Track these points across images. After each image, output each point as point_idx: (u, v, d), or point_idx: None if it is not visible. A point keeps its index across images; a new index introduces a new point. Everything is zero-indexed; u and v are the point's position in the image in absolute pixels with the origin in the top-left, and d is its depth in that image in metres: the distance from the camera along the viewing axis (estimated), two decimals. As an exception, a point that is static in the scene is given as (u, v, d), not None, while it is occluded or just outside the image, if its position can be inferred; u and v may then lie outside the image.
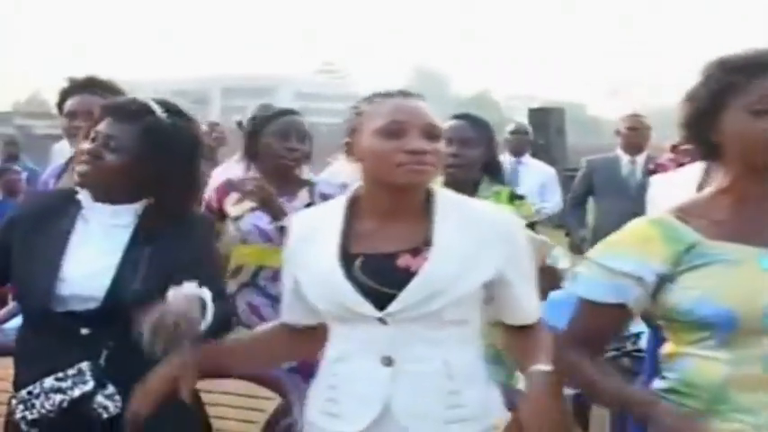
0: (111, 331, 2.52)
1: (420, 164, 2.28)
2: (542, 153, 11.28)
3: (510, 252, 2.37)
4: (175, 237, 2.62)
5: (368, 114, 2.36)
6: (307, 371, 3.23)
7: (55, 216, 2.67)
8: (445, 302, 2.29)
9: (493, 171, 3.97)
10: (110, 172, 2.59)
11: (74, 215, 2.66)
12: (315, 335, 2.53)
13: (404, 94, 2.39)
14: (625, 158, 7.04)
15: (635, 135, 7.02)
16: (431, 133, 2.32)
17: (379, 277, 2.31)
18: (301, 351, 2.74)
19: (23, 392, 2.54)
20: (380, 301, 2.29)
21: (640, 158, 7.00)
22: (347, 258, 2.34)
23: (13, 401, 2.57)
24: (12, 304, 4.54)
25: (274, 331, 2.63)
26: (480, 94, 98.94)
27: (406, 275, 2.29)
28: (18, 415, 2.54)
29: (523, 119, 12.64)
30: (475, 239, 2.32)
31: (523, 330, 2.49)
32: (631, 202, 5.84)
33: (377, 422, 2.32)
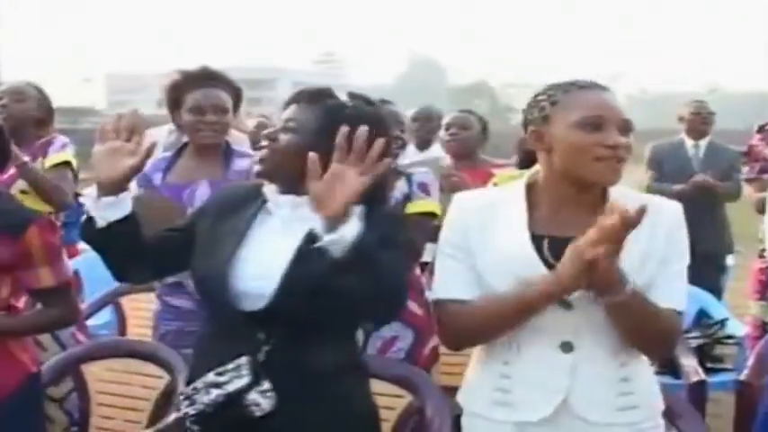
0: (275, 329, 2.42)
1: (617, 159, 2.28)
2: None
3: (675, 239, 2.38)
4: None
5: (564, 104, 2.33)
6: (423, 364, 3.54)
7: (239, 209, 2.56)
8: None
9: None
10: (284, 153, 2.44)
11: (257, 208, 2.54)
12: None
13: (600, 86, 2.38)
14: (689, 143, 7.16)
15: (699, 120, 7.15)
16: (626, 128, 2.32)
17: None
18: None
19: (189, 388, 2.48)
20: None
21: (703, 143, 7.15)
22: (536, 240, 2.34)
23: (180, 397, 2.52)
24: (96, 296, 4.83)
25: None
26: (476, 83, 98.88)
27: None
28: (182, 410, 2.48)
29: (519, 105, 12.91)
30: (650, 228, 2.29)
31: None
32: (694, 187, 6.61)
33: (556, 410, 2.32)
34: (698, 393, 3.96)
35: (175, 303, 3.65)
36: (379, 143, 2.20)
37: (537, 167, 2.44)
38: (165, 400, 3.22)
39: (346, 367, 2.52)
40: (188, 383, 2.50)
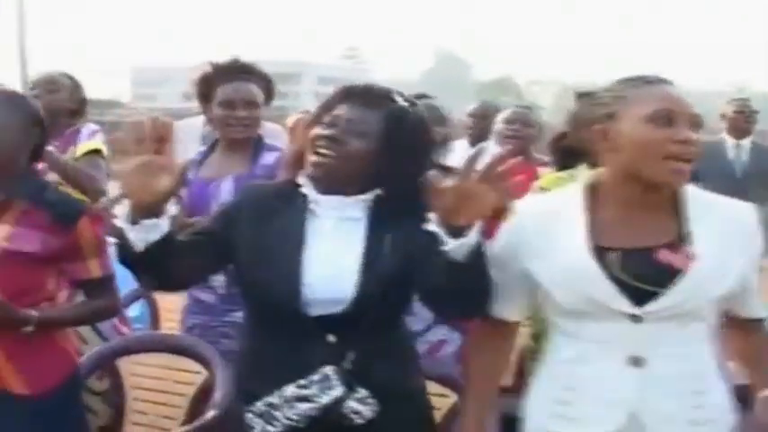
0: (358, 334, 2.37)
1: (687, 158, 2.21)
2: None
3: (752, 245, 2.32)
4: (411, 224, 2.33)
5: (633, 99, 2.24)
6: None
7: (281, 211, 2.48)
8: (705, 301, 2.23)
9: None
10: (354, 158, 2.39)
11: (301, 210, 2.47)
12: (513, 334, 2.53)
13: (667, 81, 2.29)
14: (731, 142, 6.98)
15: (742, 119, 7.00)
16: (696, 124, 2.25)
17: (638, 273, 2.21)
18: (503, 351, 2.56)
19: (260, 404, 2.41)
20: (637, 298, 2.20)
21: (746, 142, 6.98)
22: (599, 251, 2.24)
23: (249, 415, 2.45)
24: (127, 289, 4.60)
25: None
26: (501, 79, 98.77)
27: (670, 273, 2.20)
28: (257, 429, 2.42)
29: (545, 102, 12.85)
30: (727, 235, 2.25)
31: (750, 327, 2.44)
32: (736, 186, 5.73)
33: (622, 425, 2.26)
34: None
35: (202, 297, 3.63)
36: (511, 162, 2.14)
37: (584, 168, 2.39)
38: (203, 395, 3.18)
39: (413, 362, 2.58)
40: (246, 396, 2.45)
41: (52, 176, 4.35)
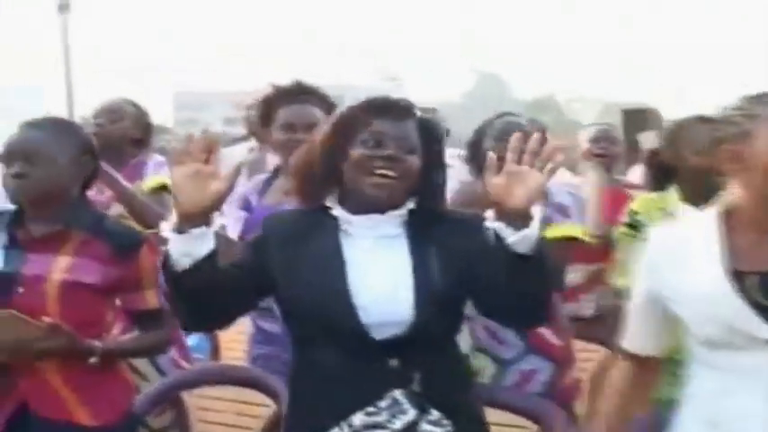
0: (420, 354, 2.31)
1: None
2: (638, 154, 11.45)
3: None
4: (450, 231, 2.37)
5: (767, 118, 2.16)
6: (564, 397, 3.35)
7: (312, 235, 2.43)
8: None
9: None
10: (412, 175, 2.37)
11: (334, 232, 2.42)
12: (653, 370, 2.45)
13: None
14: None
15: None
16: None
17: None
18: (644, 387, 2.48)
19: None
20: None
21: None
22: (737, 276, 2.15)
23: None
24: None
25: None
26: (542, 98, 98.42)
27: None
28: None
29: (586, 120, 12.61)
30: None
31: None
32: None
33: None
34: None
35: (266, 327, 3.50)
36: (552, 144, 2.20)
37: (675, 190, 2.31)
38: (272, 429, 3.09)
39: (471, 379, 2.60)
40: (311, 429, 2.36)
41: (117, 208, 4.27)
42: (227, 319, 2.55)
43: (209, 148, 2.26)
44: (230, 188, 2.26)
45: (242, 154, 6.17)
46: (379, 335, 2.31)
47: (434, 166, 2.44)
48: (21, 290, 2.77)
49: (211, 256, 2.25)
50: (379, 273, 2.35)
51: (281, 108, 3.63)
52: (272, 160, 4.59)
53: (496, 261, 2.19)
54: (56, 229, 2.83)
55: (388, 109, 2.42)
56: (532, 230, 2.16)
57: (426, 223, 2.40)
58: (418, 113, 2.47)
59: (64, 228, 2.83)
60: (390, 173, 2.34)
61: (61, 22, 26.40)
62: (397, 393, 2.29)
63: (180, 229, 2.22)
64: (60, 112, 23.91)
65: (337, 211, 2.42)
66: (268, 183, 3.72)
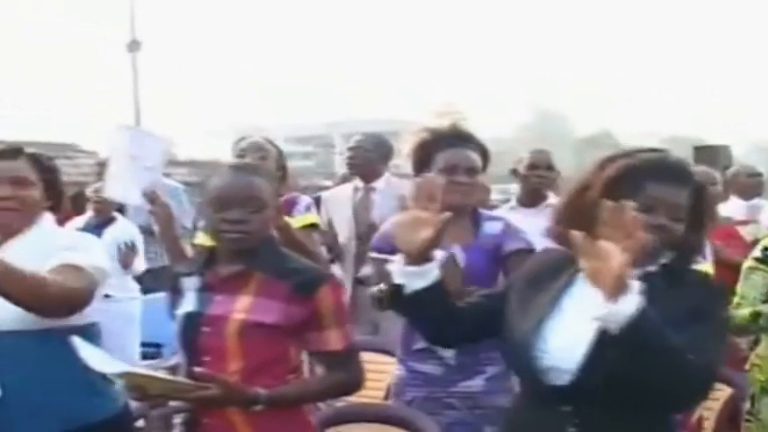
0: (582, 404, 2.34)
1: None
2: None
3: None
4: (671, 294, 2.33)
5: None
6: None
7: (552, 277, 2.49)
8: None
9: None
10: (670, 242, 2.41)
11: (569, 278, 2.46)
12: None
13: None
14: None
15: None
16: None
17: None
18: None
19: None
20: None
21: None
22: None
23: None
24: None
25: None
26: (600, 133, 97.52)
27: None
28: None
29: None
30: None
31: None
32: None
33: None
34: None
35: (423, 369, 3.61)
36: (634, 217, 2.12)
37: None
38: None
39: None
40: None
41: None
42: (468, 339, 2.80)
43: (434, 194, 2.41)
44: (437, 237, 2.41)
45: (347, 193, 6.28)
46: (555, 380, 2.37)
47: (696, 228, 2.44)
48: (206, 329, 2.85)
49: (432, 288, 2.47)
50: (574, 318, 2.38)
51: (441, 152, 3.73)
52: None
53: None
54: (239, 269, 2.88)
55: (666, 172, 2.43)
56: (623, 309, 2.09)
57: (663, 281, 2.38)
58: (695, 177, 2.47)
59: (246, 268, 2.87)
60: (653, 240, 2.31)
61: (131, 60, 26.86)
62: None
63: (402, 265, 2.45)
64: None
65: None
66: None
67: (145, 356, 6.98)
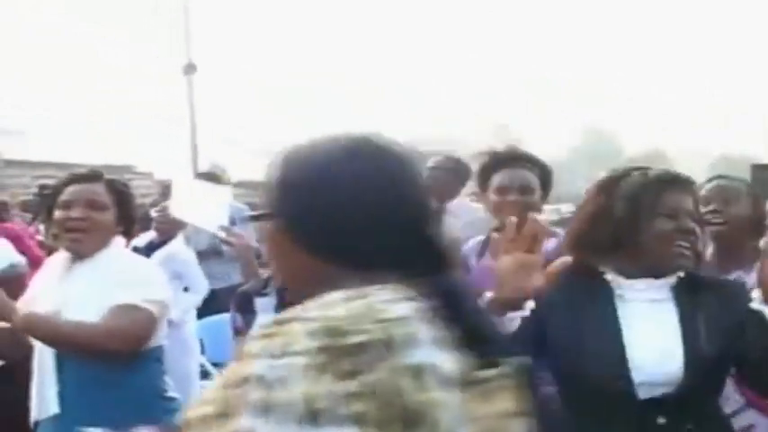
0: (686, 415, 2.42)
1: None
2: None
3: None
4: (716, 299, 2.55)
5: None
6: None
7: (590, 301, 2.56)
8: None
9: None
10: (700, 245, 2.58)
11: (609, 297, 2.55)
12: None
13: None
14: None
15: None
16: None
17: None
18: None
19: None
20: None
21: None
22: None
23: None
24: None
25: None
26: (651, 152, 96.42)
27: None
28: None
29: (699, 175, 12.20)
30: None
31: None
32: None
33: None
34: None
35: None
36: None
37: None
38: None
39: None
40: None
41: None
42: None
43: (536, 234, 2.17)
44: (543, 286, 2.21)
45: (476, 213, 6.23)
46: (646, 394, 2.45)
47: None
48: None
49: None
50: (652, 335, 2.49)
51: (497, 172, 3.79)
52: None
53: (760, 340, 2.31)
54: None
55: (676, 183, 2.62)
56: None
57: (693, 289, 2.56)
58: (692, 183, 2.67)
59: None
60: (688, 245, 2.54)
61: (187, 82, 27.12)
62: None
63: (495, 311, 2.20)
64: (186, 168, 24.63)
65: (611, 276, 2.58)
66: (486, 244, 3.81)
67: (206, 376, 7.05)
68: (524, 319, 2.60)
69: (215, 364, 7.03)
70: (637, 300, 2.55)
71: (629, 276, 2.57)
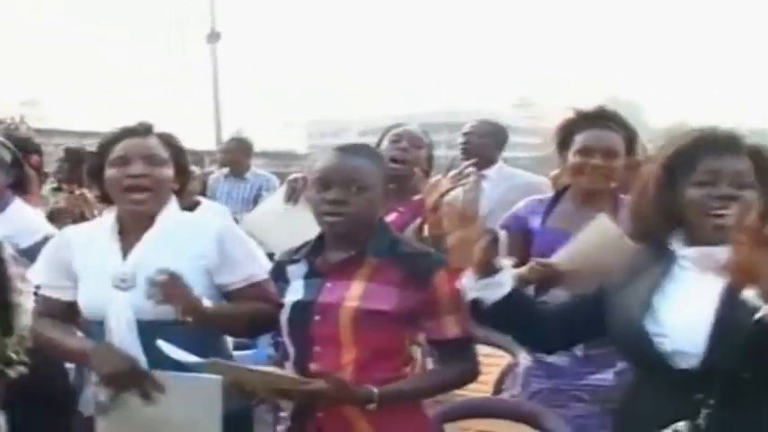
0: (712, 388, 2.28)
1: None
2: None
3: None
4: None
5: None
6: None
7: (647, 266, 2.51)
8: None
9: None
10: (750, 209, 2.24)
11: (667, 264, 2.48)
12: None
13: None
14: None
15: None
16: None
17: None
18: None
19: None
20: None
21: None
22: None
23: None
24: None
25: None
26: (675, 125, 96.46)
27: None
28: None
29: None
30: None
31: None
32: None
33: None
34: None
35: (550, 360, 3.45)
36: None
37: None
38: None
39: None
40: None
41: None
42: (566, 344, 2.94)
43: (468, 217, 2.57)
44: (487, 249, 2.54)
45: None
46: (682, 364, 2.35)
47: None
48: (317, 318, 2.74)
49: (511, 295, 2.58)
50: (686, 304, 2.39)
51: (580, 132, 3.57)
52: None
53: None
54: (350, 254, 2.77)
55: (720, 144, 2.47)
56: None
57: None
58: (749, 144, 2.49)
59: (358, 253, 2.76)
60: (726, 212, 2.34)
61: (210, 51, 27.01)
62: (681, 425, 2.30)
63: (473, 279, 2.58)
64: (208, 135, 24.65)
65: (676, 245, 2.49)
66: (552, 205, 3.69)
67: (238, 348, 6.84)
68: (577, 297, 2.77)
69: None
70: (691, 269, 2.44)
71: (691, 245, 2.46)
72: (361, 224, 2.76)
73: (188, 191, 7.15)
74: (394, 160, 4.02)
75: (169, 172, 3.00)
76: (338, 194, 2.73)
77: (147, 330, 2.83)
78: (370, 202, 2.76)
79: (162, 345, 2.67)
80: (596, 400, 3.40)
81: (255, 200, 8.27)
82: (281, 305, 2.85)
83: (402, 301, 2.70)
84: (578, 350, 3.41)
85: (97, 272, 2.95)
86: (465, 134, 6.09)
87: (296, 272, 2.89)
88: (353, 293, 2.72)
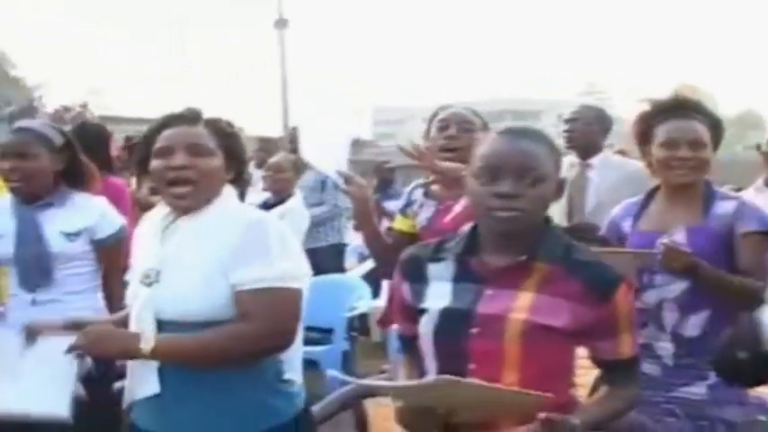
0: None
1: None
2: None
3: None
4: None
5: None
6: None
7: None
8: None
9: None
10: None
11: None
12: None
13: None
14: None
15: None
16: None
17: None
18: None
19: None
20: None
21: None
22: None
23: None
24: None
25: None
26: (746, 112, 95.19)
27: None
28: None
29: None
30: None
31: None
32: None
33: None
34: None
35: (643, 369, 3.09)
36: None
37: None
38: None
39: None
40: None
41: None
42: None
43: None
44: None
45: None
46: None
47: None
48: (475, 330, 2.36)
49: None
50: None
51: (661, 124, 3.38)
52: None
53: None
54: (519, 259, 2.39)
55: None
56: None
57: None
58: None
59: (527, 259, 2.39)
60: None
61: (278, 37, 27.06)
62: None
63: None
64: (276, 121, 24.59)
65: None
66: (644, 205, 3.51)
67: (309, 342, 6.70)
68: None
69: (309, 329, 6.73)
70: None
71: None
72: (533, 223, 2.40)
73: (281, 179, 7.16)
74: (443, 149, 3.70)
75: (215, 162, 2.78)
76: (511, 187, 2.35)
77: (167, 330, 2.67)
78: (544, 198, 2.40)
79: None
80: (688, 416, 3.20)
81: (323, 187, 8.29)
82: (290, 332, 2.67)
83: (577, 318, 2.34)
84: (668, 357, 3.26)
85: (138, 265, 2.81)
86: (568, 121, 5.69)
87: (440, 272, 2.50)
88: (521, 304, 2.36)
